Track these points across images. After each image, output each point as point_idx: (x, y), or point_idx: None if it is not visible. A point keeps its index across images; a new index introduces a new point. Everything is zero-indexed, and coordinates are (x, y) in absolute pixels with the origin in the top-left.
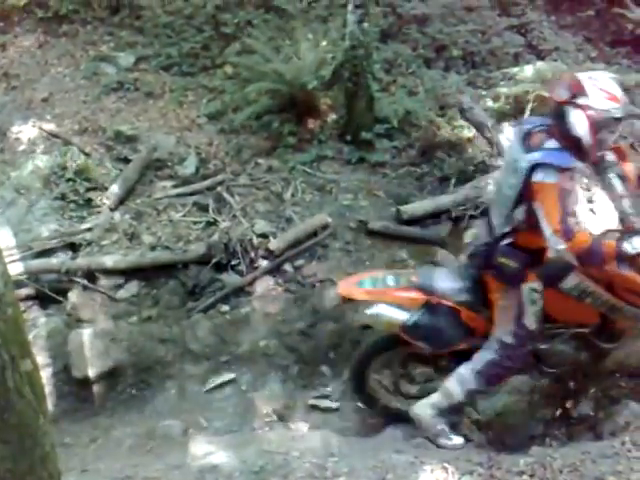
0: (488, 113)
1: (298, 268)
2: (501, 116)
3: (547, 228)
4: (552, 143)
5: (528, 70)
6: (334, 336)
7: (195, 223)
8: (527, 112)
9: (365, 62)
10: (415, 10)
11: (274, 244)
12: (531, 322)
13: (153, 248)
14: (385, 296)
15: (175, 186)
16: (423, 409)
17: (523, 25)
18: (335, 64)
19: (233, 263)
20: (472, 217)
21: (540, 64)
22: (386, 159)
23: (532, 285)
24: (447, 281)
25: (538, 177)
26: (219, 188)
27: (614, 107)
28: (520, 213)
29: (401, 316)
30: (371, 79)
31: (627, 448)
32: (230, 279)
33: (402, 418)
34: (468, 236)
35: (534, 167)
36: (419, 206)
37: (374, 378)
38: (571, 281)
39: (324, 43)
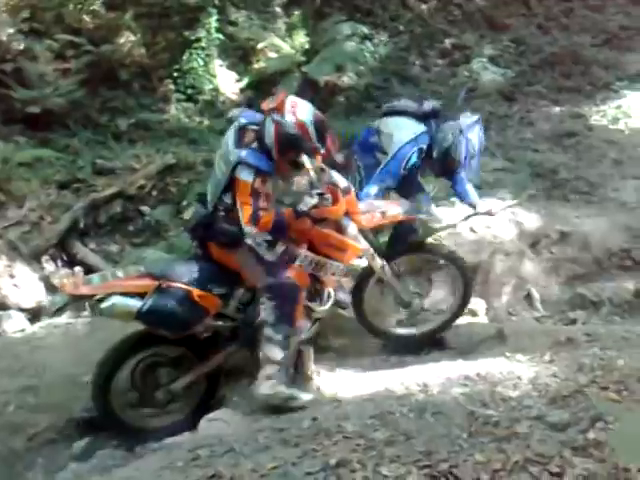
0: None
1: None
2: None
3: (241, 219)
4: (256, 144)
5: None
6: None
7: None
8: None
9: None
10: None
11: None
12: (272, 257)
13: None
14: (116, 287)
15: None
16: (263, 386)
17: None
18: None
19: None
20: None
21: None
22: None
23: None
24: (175, 265)
25: (238, 173)
26: None
27: (300, 137)
28: (228, 198)
29: (135, 304)
30: None
31: None
32: None
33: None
34: (188, 213)
35: (238, 163)
36: None
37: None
38: (279, 248)
39: None
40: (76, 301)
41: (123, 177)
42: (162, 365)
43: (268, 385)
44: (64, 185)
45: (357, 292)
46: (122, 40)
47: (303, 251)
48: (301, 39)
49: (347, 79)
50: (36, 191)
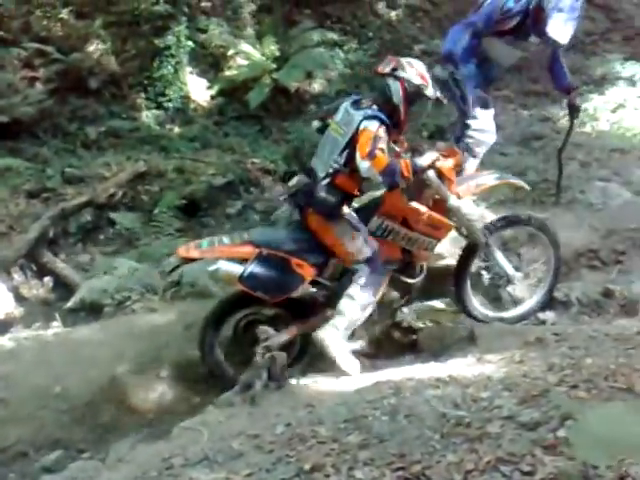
0: None
1: None
2: None
3: (358, 157)
4: (375, 107)
5: None
6: None
7: None
8: None
9: None
10: None
11: None
12: (368, 235)
13: None
14: (220, 252)
15: None
16: (325, 331)
17: None
18: None
19: None
20: None
21: None
22: None
23: (349, 212)
24: (276, 234)
25: (364, 125)
26: None
27: (424, 85)
28: (343, 157)
29: (238, 269)
30: None
31: None
32: None
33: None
34: (293, 181)
35: (364, 119)
36: None
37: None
38: (375, 222)
39: None
40: (187, 262)
41: (93, 185)
42: (261, 322)
43: (330, 332)
44: (33, 194)
45: (461, 271)
46: (91, 48)
47: (397, 226)
48: (271, 46)
49: (318, 85)
50: (5, 201)
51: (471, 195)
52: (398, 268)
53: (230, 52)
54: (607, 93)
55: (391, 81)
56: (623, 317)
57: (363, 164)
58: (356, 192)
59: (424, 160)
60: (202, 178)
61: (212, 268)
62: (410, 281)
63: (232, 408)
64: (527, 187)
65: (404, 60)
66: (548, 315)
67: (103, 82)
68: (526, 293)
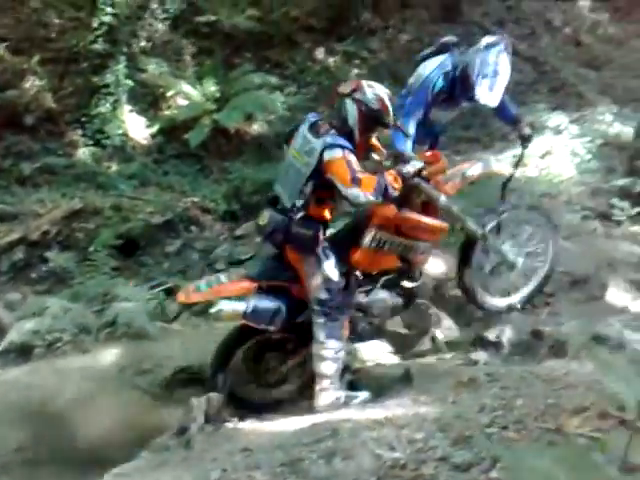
0: None
1: None
2: None
3: (343, 188)
4: (333, 131)
5: None
6: None
7: None
8: None
9: None
10: None
11: None
12: (333, 274)
13: None
14: (221, 292)
15: None
16: (320, 399)
17: None
18: None
19: None
20: None
21: None
22: None
23: (323, 245)
24: (270, 265)
25: (328, 155)
26: None
27: (382, 111)
28: (309, 187)
29: (240, 306)
30: None
31: None
32: None
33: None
34: (264, 218)
35: (325, 148)
36: None
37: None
38: (367, 236)
39: None
40: (189, 307)
41: (26, 222)
42: (269, 349)
43: (324, 397)
44: None
45: (463, 266)
46: (27, 85)
47: (391, 236)
48: (212, 87)
49: (258, 127)
50: None
51: (459, 189)
52: (398, 274)
53: (170, 92)
54: (535, 141)
55: (348, 102)
56: (552, 358)
57: (351, 192)
58: (331, 218)
59: (411, 167)
60: (140, 216)
61: (214, 310)
62: (412, 285)
63: (166, 453)
64: (506, 173)
65: (365, 83)
66: (480, 355)
67: (39, 119)
68: (529, 274)
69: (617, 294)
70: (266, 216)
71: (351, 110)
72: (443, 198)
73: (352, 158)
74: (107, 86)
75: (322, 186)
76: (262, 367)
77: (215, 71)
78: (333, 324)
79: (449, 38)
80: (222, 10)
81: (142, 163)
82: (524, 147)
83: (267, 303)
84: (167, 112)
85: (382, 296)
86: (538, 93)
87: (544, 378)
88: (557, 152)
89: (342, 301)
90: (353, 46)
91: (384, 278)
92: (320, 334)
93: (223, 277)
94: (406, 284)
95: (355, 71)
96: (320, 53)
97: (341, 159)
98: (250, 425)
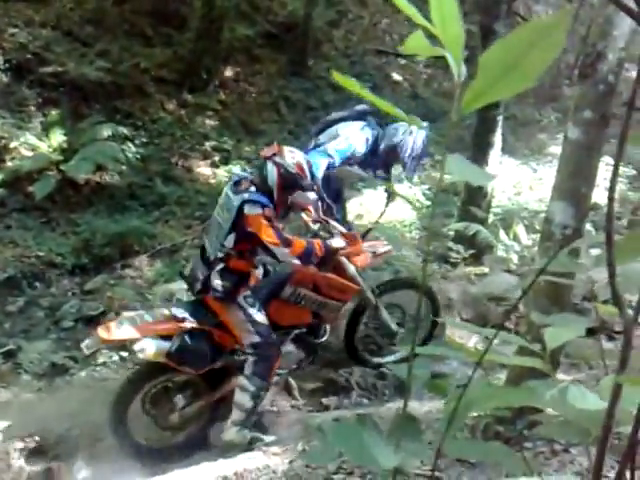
0: None
1: None
2: None
3: (271, 246)
4: (254, 188)
5: None
6: None
7: None
8: None
9: None
10: None
11: None
12: (261, 318)
13: None
14: (145, 331)
15: None
16: (229, 432)
17: None
18: None
19: None
20: None
21: None
22: None
23: (244, 294)
24: (194, 309)
25: (247, 211)
26: None
27: (299, 176)
28: (230, 241)
29: (164, 345)
30: None
31: None
32: None
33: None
34: (187, 269)
35: (243, 203)
36: None
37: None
38: (288, 290)
39: None
40: (109, 345)
41: None
42: (172, 391)
43: (234, 431)
44: None
45: (351, 328)
46: None
47: (308, 292)
48: (59, 138)
49: (109, 178)
50: None
51: (368, 265)
52: (307, 330)
53: (13, 143)
54: (379, 189)
55: (270, 164)
56: (397, 399)
57: (279, 251)
58: (250, 270)
59: (334, 244)
60: None
61: (138, 347)
62: (316, 341)
63: None
64: (393, 252)
65: (287, 149)
66: (331, 400)
67: None
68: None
69: (454, 333)
70: (189, 267)
71: (271, 171)
72: (352, 268)
73: (271, 215)
74: None
75: (243, 240)
76: (165, 410)
77: (62, 122)
78: (264, 364)
79: (363, 107)
80: (69, 61)
81: None
82: (387, 203)
83: (191, 344)
84: (10, 164)
85: (290, 349)
86: None
87: (388, 419)
88: (399, 200)
89: (274, 341)
90: (205, 98)
91: (295, 332)
92: (248, 369)
93: (147, 316)
94: (311, 340)
95: (207, 122)
96: (172, 104)
97: (261, 216)
98: None
